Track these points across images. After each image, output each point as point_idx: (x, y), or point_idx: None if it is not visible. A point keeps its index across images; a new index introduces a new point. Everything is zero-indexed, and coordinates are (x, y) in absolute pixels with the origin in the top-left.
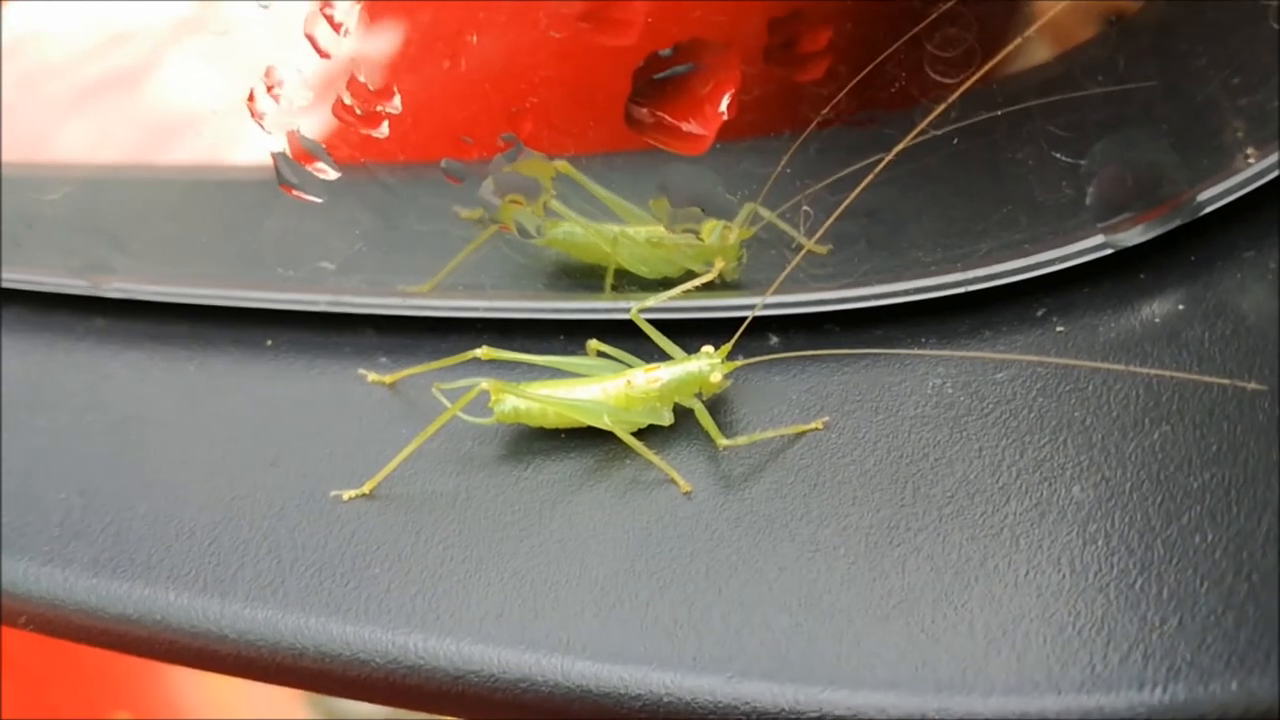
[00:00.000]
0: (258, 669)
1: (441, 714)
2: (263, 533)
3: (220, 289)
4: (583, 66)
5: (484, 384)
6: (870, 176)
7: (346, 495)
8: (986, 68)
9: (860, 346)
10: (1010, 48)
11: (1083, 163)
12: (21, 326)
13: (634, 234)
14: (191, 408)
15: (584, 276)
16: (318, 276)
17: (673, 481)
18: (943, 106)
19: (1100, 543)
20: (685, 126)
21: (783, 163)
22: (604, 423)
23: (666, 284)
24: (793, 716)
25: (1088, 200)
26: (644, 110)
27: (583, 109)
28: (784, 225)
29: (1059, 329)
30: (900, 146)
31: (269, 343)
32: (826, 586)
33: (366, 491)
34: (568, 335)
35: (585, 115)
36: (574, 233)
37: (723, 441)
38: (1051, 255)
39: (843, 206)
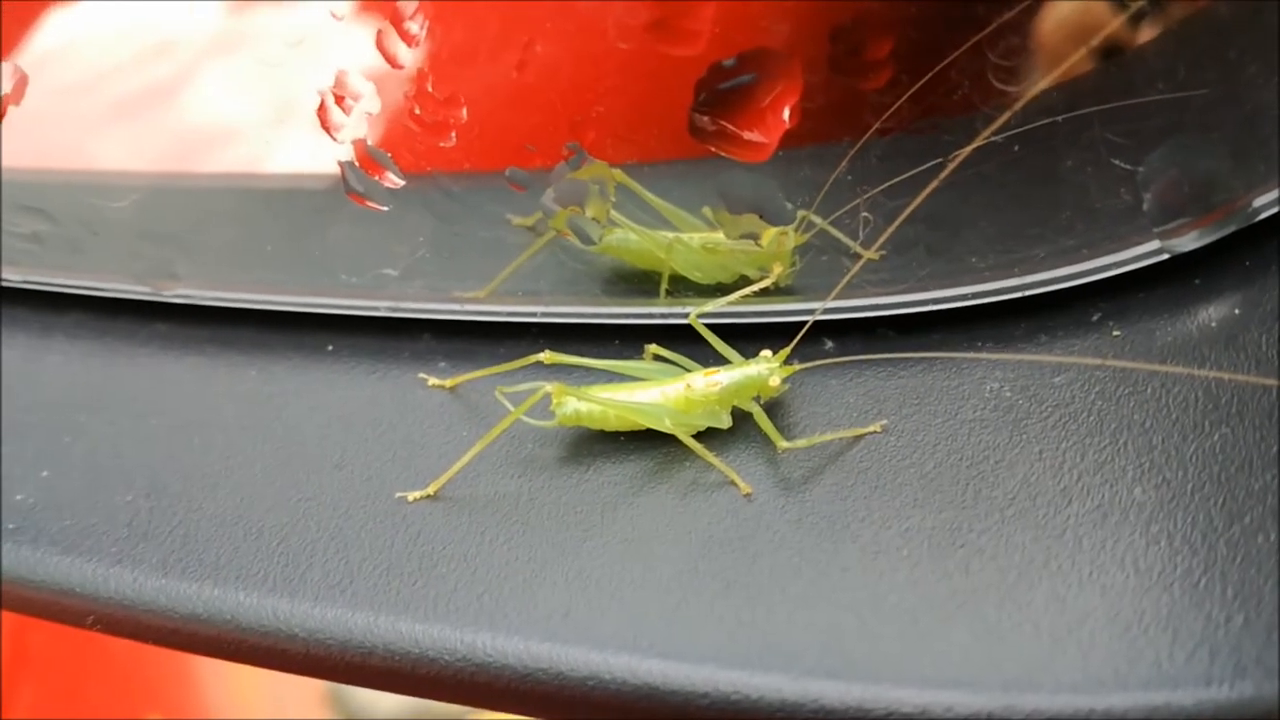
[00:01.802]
0: (327, 667)
1: (508, 712)
2: (330, 533)
3: (282, 295)
4: (646, 76)
5: (548, 387)
6: (935, 183)
7: (411, 496)
8: (1052, 78)
9: (917, 351)
10: (1075, 58)
11: (1140, 169)
12: (82, 332)
13: (689, 240)
14: (254, 411)
15: (638, 282)
16: (380, 283)
17: (733, 484)
18: (1007, 114)
19: (1163, 543)
20: (747, 135)
21: (839, 169)
22: (665, 425)
23: (720, 289)
24: (859, 714)
25: (1145, 206)
26: (707, 119)
27: (645, 118)
28: (836, 232)
29: (1115, 333)
30: (964, 153)
31: (330, 348)
32: (890, 587)
33: (431, 493)
34: (623, 340)
35: (648, 124)
36: (628, 239)
37: (783, 444)
38: (1108, 260)
39: (906, 212)
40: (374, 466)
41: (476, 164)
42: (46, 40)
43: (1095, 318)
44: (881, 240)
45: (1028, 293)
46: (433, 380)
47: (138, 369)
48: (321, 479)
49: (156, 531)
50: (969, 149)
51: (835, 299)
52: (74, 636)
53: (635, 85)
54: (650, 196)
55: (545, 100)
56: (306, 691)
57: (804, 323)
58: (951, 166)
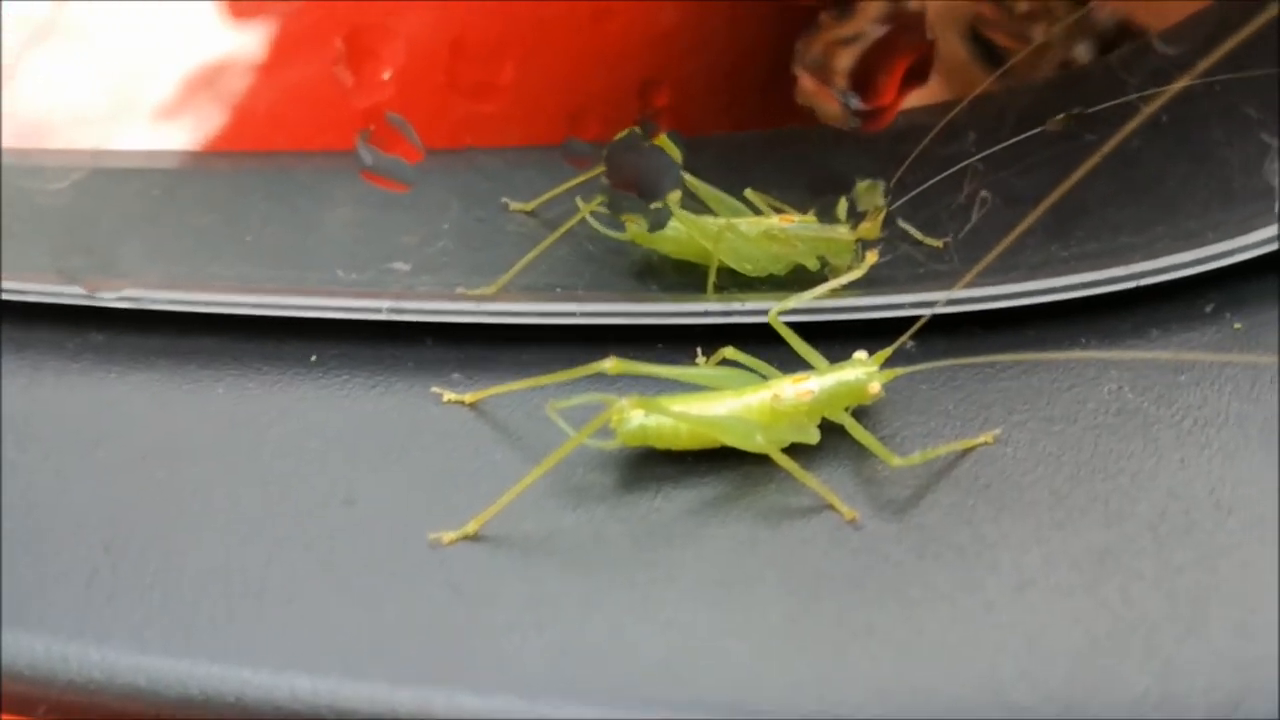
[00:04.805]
0: None
1: None
2: (350, 586)
3: (256, 296)
4: (741, 29)
5: (623, 401)
6: (1108, 145)
7: (447, 538)
8: (1222, 51)
9: (1012, 349)
10: (1252, 27)
11: (1275, 142)
12: None
13: (743, 227)
14: (231, 437)
15: (674, 274)
16: (384, 279)
17: (832, 508)
18: (1188, 78)
19: None
20: (855, 103)
21: (929, 137)
22: (754, 443)
23: (771, 282)
24: None
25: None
26: (812, 80)
27: (731, 80)
28: (906, 226)
29: (1236, 325)
30: (1131, 126)
31: (313, 358)
32: (1045, 622)
33: (471, 532)
34: (666, 343)
35: (735, 88)
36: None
37: (895, 461)
38: (1227, 246)
39: (1065, 186)
40: (392, 501)
41: (523, 134)
42: None
43: (1208, 309)
44: (1026, 223)
45: (1143, 282)
46: (449, 394)
47: (71, 389)
48: (329, 518)
49: (125, 592)
50: (1134, 123)
51: (922, 292)
52: None
53: (725, 42)
54: (690, 178)
55: (616, 60)
56: None
57: (890, 319)
58: (1125, 133)
